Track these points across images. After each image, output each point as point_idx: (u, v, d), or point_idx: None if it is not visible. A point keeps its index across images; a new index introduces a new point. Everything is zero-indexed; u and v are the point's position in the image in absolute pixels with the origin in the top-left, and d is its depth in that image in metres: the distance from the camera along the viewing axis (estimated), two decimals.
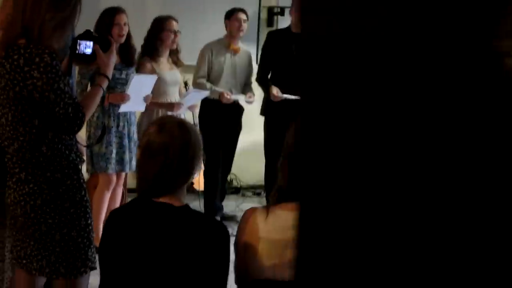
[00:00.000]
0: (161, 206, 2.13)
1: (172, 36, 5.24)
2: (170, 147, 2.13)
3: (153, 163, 2.13)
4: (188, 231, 2.10)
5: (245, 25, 5.80)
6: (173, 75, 5.36)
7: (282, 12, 7.23)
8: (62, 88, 2.53)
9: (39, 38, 2.50)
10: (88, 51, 2.79)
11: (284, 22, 7.02)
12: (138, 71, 5.14)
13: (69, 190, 2.62)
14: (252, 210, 2.24)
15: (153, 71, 5.17)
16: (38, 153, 2.58)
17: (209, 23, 6.79)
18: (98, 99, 2.78)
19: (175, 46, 5.31)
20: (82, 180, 2.70)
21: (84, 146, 4.06)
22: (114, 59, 2.86)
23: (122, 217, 2.19)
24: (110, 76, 2.83)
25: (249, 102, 5.89)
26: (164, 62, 5.31)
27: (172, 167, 2.13)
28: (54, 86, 2.51)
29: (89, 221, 2.68)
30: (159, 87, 5.17)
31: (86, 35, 2.82)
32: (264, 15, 7.30)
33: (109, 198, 5.04)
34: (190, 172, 2.19)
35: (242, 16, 5.77)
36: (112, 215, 2.25)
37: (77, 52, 2.77)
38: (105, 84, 2.81)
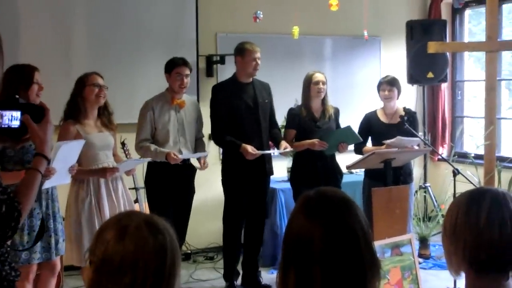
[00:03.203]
0: None
1: (96, 90, 4.57)
2: (140, 260, 1.51)
3: (116, 286, 1.50)
4: None
5: (187, 80, 5.26)
6: (103, 138, 4.68)
7: (222, 61, 6.76)
8: None
9: None
10: (15, 123, 2.11)
11: (224, 71, 6.61)
12: (61, 137, 4.45)
13: None
14: None
15: (78, 135, 4.50)
16: None
17: (147, 76, 6.29)
18: (36, 188, 2.10)
19: (102, 102, 4.64)
20: None
21: (16, 250, 3.37)
22: (51, 131, 2.20)
23: None
24: (48, 155, 2.17)
25: (202, 159, 5.37)
26: (91, 125, 4.64)
27: None
28: None
29: None
30: (87, 153, 4.52)
31: (10, 103, 2.14)
32: (202, 64, 6.82)
33: None
34: None
35: (183, 71, 5.22)
36: None
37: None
38: (43, 166, 2.14)
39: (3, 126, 2.11)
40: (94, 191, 4.58)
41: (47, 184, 4.16)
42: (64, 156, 4.14)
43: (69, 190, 4.65)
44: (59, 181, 4.32)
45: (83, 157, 4.53)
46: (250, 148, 5.27)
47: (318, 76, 5.58)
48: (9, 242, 2.16)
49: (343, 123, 5.75)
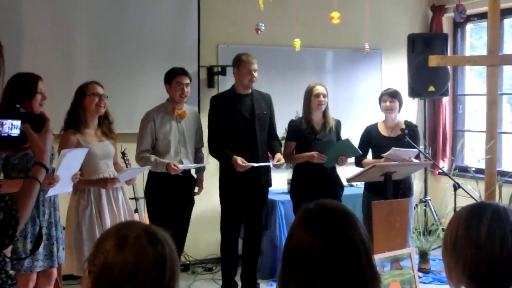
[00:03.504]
0: None
1: (96, 99, 4.56)
2: (139, 270, 1.50)
3: None
4: None
5: (187, 90, 5.25)
6: (103, 147, 4.68)
7: (223, 72, 6.77)
8: None
9: None
10: (15, 132, 2.11)
11: (225, 82, 6.61)
12: (62, 146, 4.44)
13: None
14: None
15: (79, 145, 4.49)
16: None
17: (148, 86, 6.30)
18: (34, 197, 2.08)
19: (102, 111, 4.63)
20: None
21: (11, 259, 3.35)
22: (51, 141, 2.20)
23: None
24: (48, 164, 2.16)
25: (201, 170, 5.37)
26: (91, 134, 4.63)
27: None
28: None
29: None
30: (88, 162, 4.51)
31: (11, 112, 2.14)
32: (203, 75, 6.83)
33: None
34: None
35: (183, 80, 5.21)
36: None
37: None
38: (42, 175, 2.13)
39: (3, 134, 2.12)
40: (95, 201, 4.58)
41: (51, 192, 4.18)
42: (68, 164, 4.16)
43: (70, 199, 4.64)
44: (62, 189, 4.33)
45: (84, 167, 4.53)
46: (239, 160, 5.26)
47: (319, 89, 5.57)
48: (8, 252, 2.15)
49: (344, 136, 5.74)
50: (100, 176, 4.63)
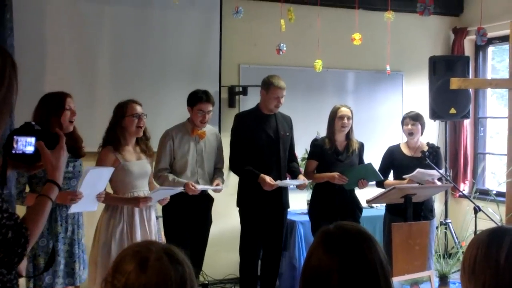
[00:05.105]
0: None
1: (136, 120, 4.58)
2: None
3: None
4: None
5: (209, 116, 5.24)
6: (141, 166, 4.67)
7: (244, 91, 6.80)
8: None
9: None
10: (30, 149, 2.13)
11: (246, 101, 6.62)
12: (100, 162, 4.49)
13: None
14: None
15: (116, 162, 4.51)
16: None
17: (170, 105, 6.34)
18: (46, 215, 2.08)
19: (141, 133, 4.64)
20: None
21: (27, 277, 3.38)
22: (65, 158, 2.19)
23: None
24: (60, 182, 2.16)
25: (217, 191, 5.32)
26: (130, 151, 4.65)
27: None
28: None
29: None
30: (124, 180, 4.54)
31: (26, 129, 2.17)
32: (224, 94, 6.86)
33: None
34: None
35: (206, 108, 5.18)
36: None
37: (13, 151, 2.12)
38: (54, 193, 2.13)
39: (17, 152, 2.14)
40: (127, 219, 4.56)
41: (73, 209, 4.18)
42: (93, 182, 4.15)
43: (101, 215, 4.64)
44: (86, 207, 4.31)
45: (120, 184, 4.55)
46: (268, 179, 5.24)
47: (344, 111, 5.54)
48: (23, 270, 2.17)
49: (365, 158, 5.72)
50: (135, 194, 4.61)
